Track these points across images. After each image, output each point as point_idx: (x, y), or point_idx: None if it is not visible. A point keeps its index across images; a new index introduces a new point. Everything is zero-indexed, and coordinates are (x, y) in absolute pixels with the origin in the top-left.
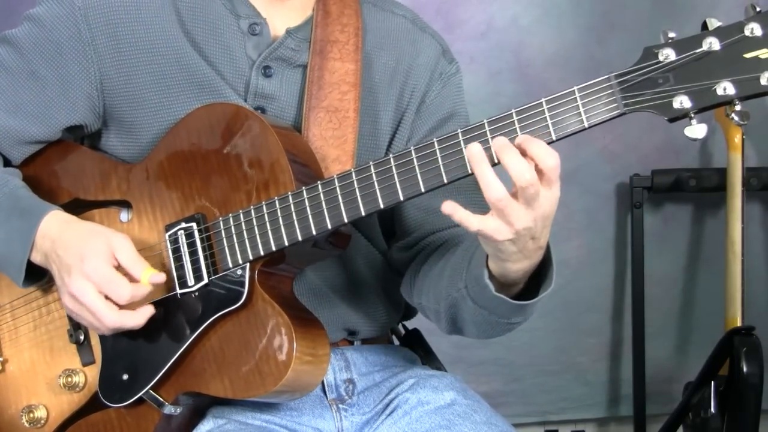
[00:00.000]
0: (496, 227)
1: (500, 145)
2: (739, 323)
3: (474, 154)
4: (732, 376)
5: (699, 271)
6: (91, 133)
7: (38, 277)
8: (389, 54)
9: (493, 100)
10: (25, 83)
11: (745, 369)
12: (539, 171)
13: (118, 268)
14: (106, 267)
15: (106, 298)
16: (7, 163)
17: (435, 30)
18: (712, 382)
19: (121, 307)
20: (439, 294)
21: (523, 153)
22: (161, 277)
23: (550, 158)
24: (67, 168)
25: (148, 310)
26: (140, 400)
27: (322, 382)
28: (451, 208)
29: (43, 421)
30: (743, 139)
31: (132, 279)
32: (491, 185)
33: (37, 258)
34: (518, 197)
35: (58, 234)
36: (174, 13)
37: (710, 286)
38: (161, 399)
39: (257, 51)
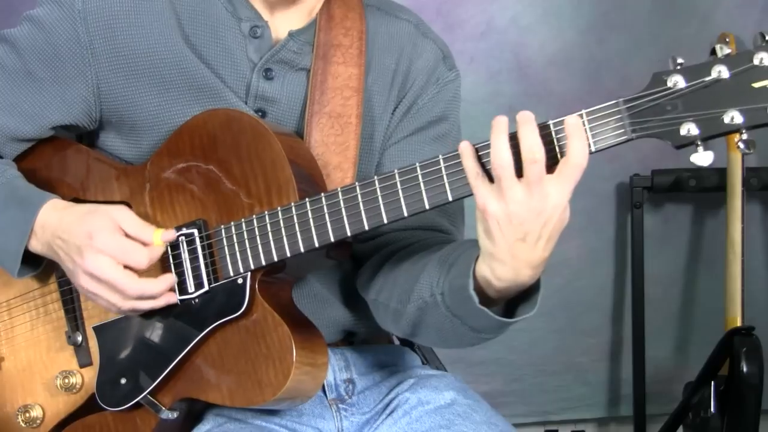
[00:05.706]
0: (488, 194)
1: (525, 118)
2: (739, 323)
3: (498, 123)
4: (732, 376)
5: (699, 271)
6: (91, 131)
7: (34, 267)
8: (390, 57)
9: (493, 100)
10: (21, 83)
11: (745, 369)
12: (561, 162)
13: (126, 237)
14: (117, 238)
15: (125, 268)
16: None
17: (438, 36)
18: (712, 382)
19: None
20: (405, 295)
21: (559, 138)
22: (172, 234)
23: (579, 157)
24: (67, 167)
25: (170, 278)
26: (137, 404)
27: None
28: (464, 147)
29: (39, 421)
30: None
31: (143, 245)
32: (500, 151)
33: (37, 248)
34: (522, 177)
35: (58, 221)
36: (174, 17)
37: (710, 286)
38: (159, 404)
39: (258, 54)
